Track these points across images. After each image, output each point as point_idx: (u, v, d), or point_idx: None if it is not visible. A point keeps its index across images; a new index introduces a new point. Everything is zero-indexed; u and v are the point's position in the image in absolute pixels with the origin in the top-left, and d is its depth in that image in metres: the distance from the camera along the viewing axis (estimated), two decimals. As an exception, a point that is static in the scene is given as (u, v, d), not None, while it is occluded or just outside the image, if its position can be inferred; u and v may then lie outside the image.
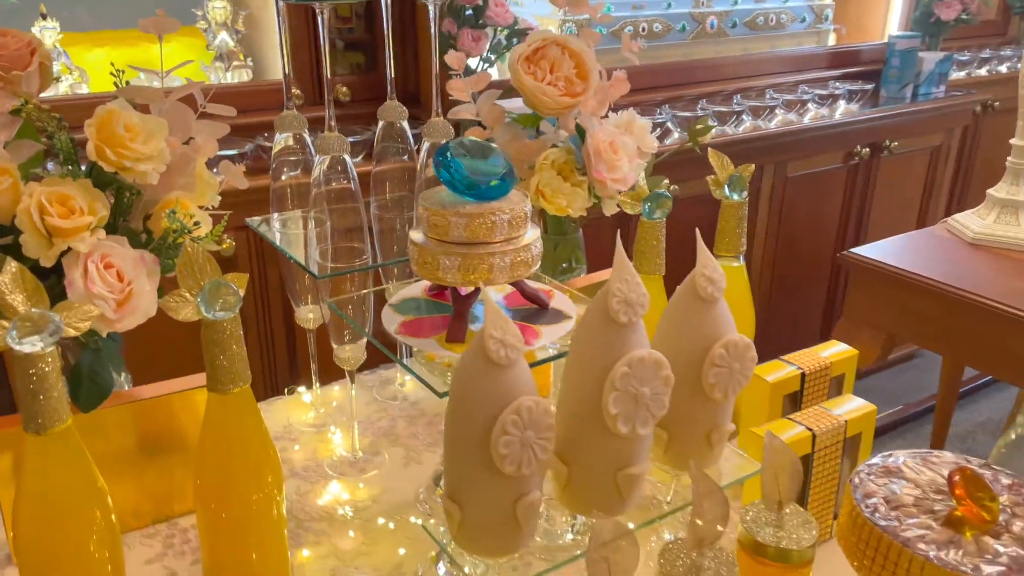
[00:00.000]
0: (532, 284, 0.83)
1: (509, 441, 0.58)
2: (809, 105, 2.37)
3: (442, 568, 0.79)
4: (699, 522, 0.60)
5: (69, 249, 0.73)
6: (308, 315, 1.02)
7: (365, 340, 0.96)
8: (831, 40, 2.66)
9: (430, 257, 0.73)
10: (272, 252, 1.62)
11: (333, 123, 0.90)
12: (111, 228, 0.77)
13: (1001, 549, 0.60)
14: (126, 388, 0.85)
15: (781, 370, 0.90)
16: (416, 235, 0.75)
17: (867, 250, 1.58)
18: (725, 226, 0.96)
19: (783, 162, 2.24)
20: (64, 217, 0.72)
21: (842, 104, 2.43)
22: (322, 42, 0.91)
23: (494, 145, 0.75)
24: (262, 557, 0.72)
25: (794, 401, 0.90)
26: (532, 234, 0.75)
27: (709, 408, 0.71)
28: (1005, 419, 2.52)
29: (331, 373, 1.08)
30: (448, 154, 0.72)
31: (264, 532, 0.71)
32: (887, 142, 2.41)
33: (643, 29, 2.22)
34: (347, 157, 0.90)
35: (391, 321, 0.78)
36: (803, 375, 0.90)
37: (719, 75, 2.32)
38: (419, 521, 0.89)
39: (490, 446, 0.58)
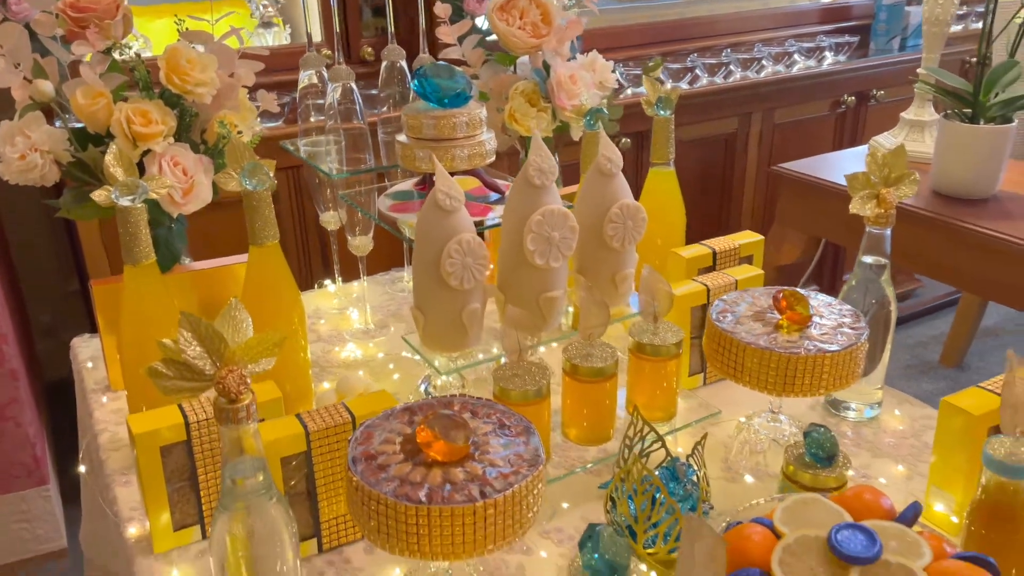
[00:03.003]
0: (495, 180, 1.09)
1: (453, 263, 0.84)
2: (796, 57, 2.55)
3: (423, 386, 1.05)
4: (586, 329, 0.85)
5: (148, 151, 1.00)
6: (330, 218, 1.29)
7: (372, 231, 1.23)
8: (824, -3, 2.83)
9: (410, 151, 0.98)
10: (306, 187, 1.90)
11: (342, 61, 1.16)
12: (177, 139, 1.04)
13: (798, 339, 0.83)
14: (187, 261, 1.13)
15: (696, 250, 1.14)
16: (401, 137, 1.00)
17: (795, 165, 1.86)
18: (657, 138, 1.18)
19: (771, 110, 2.44)
20: (144, 126, 0.99)
21: (829, 56, 2.61)
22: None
23: (457, 68, 1.00)
24: (293, 383, 0.98)
25: (707, 274, 1.14)
26: (488, 135, 1.01)
27: (612, 256, 0.95)
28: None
29: (351, 274, 1.35)
30: (423, 73, 0.98)
31: (292, 362, 0.98)
32: (874, 91, 2.58)
33: (640, -10, 2.43)
34: (354, 86, 1.16)
35: (384, 204, 1.04)
36: (714, 253, 1.14)
37: (712, 31, 2.52)
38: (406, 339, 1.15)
39: (440, 267, 0.84)
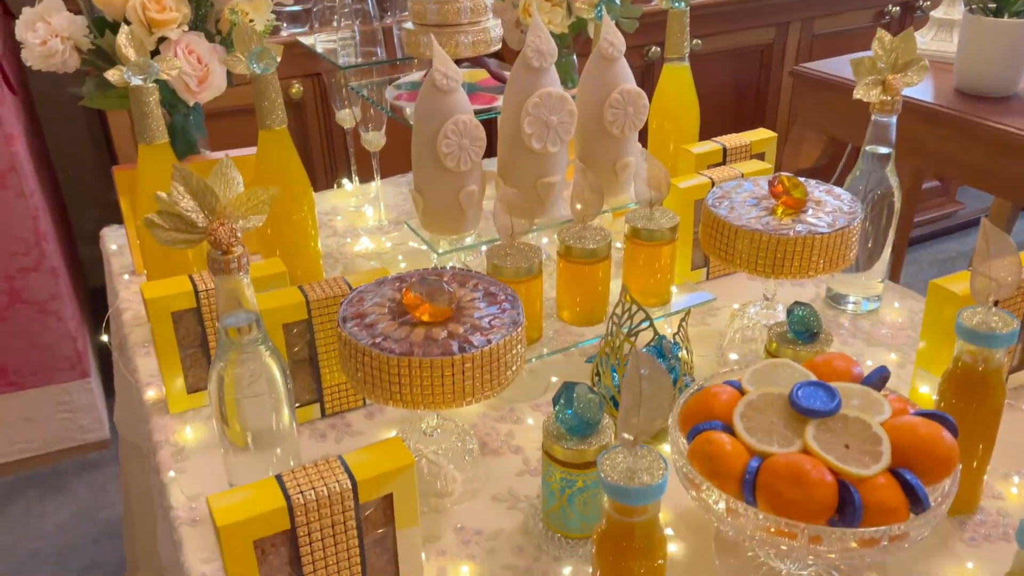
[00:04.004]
0: (502, 71, 1.09)
1: (449, 143, 0.85)
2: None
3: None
4: (578, 205, 0.86)
5: (164, 39, 1.02)
6: (345, 116, 1.31)
7: (384, 127, 1.25)
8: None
9: (415, 37, 0.99)
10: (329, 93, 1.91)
11: (354, -46, 1.16)
12: (193, 28, 1.06)
13: (791, 223, 0.84)
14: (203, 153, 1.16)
15: (708, 146, 1.14)
16: (407, 24, 1.01)
17: (816, 65, 1.83)
18: (671, 30, 1.17)
19: (810, 19, 2.36)
20: (159, 12, 1.01)
21: (876, -36, 2.50)
22: None
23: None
24: (304, 270, 1.02)
25: (715, 169, 1.13)
26: (493, 22, 1.01)
27: (612, 144, 0.96)
28: None
29: (369, 175, 1.38)
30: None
31: (304, 247, 1.01)
32: (920, 1, 2.48)
33: None
34: (365, -19, 1.16)
35: (391, 94, 1.06)
36: (724, 149, 1.13)
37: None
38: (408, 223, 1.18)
39: (437, 148, 0.86)
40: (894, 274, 2.32)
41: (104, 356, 2.14)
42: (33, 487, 1.87)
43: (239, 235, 0.62)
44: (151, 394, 0.91)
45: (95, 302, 2.30)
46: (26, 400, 1.87)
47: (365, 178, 1.42)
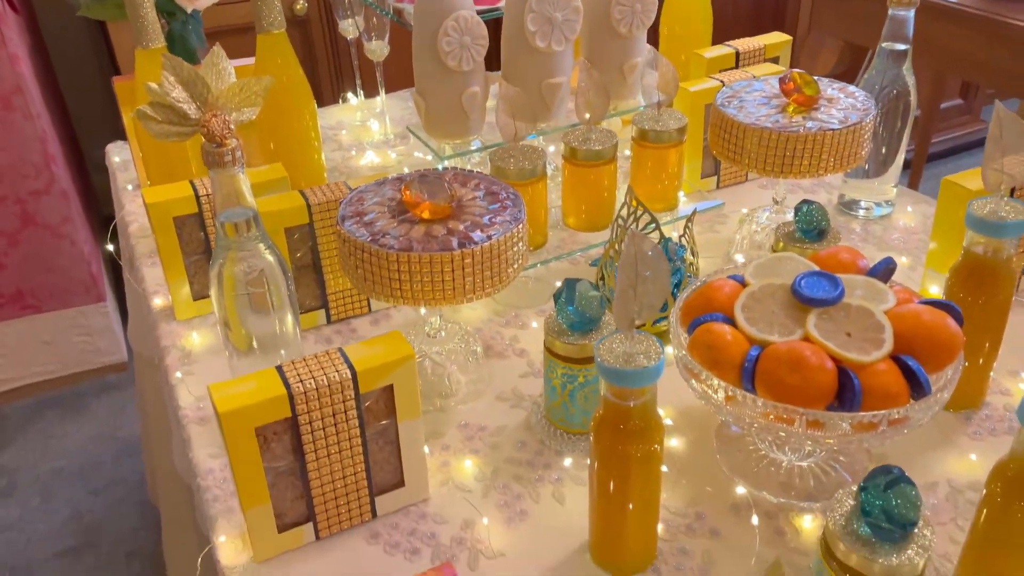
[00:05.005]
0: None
1: (450, 41, 0.83)
2: None
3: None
4: (585, 111, 0.84)
5: (158, -58, 1.00)
6: (348, 26, 1.28)
7: (387, 36, 1.22)
8: None
9: (415, -64, 0.96)
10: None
11: None
12: (187, -69, 1.04)
13: (802, 120, 0.82)
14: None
15: (720, 50, 1.10)
16: (406, -77, 0.98)
17: None
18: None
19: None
20: (151, -86, 0.98)
21: None
22: None
23: None
24: (307, 181, 1.01)
25: (726, 73, 1.10)
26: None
27: (620, 44, 0.93)
28: None
29: (375, 91, 1.35)
30: None
31: (306, 156, 1.00)
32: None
33: None
34: None
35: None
36: (737, 53, 1.10)
37: None
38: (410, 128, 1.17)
39: (437, 46, 0.83)
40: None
41: (119, 281, 2.16)
42: (53, 408, 1.91)
43: (232, 127, 0.61)
44: (158, 302, 0.91)
45: (108, 231, 2.31)
46: (44, 323, 1.90)
47: (370, 93, 1.40)
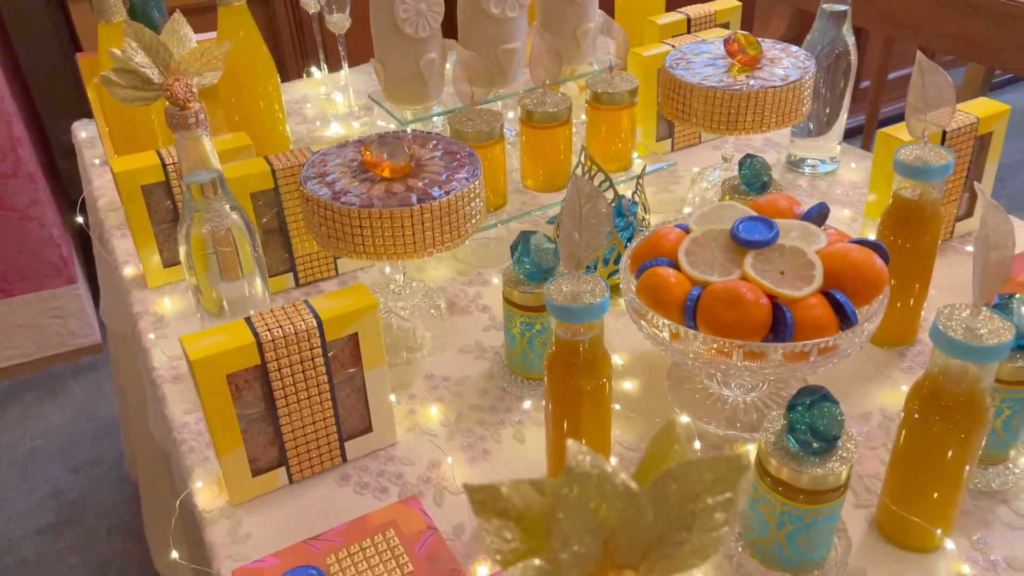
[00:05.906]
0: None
1: (407, 8, 0.86)
2: None
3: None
4: (540, 75, 0.87)
5: (116, -83, 1.01)
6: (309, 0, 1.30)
7: (348, 8, 1.24)
8: None
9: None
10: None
11: None
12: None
13: (745, 77, 0.85)
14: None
15: (672, 17, 1.14)
16: None
17: None
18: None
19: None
20: None
21: None
22: None
23: None
24: (271, 147, 1.03)
25: (677, 38, 1.14)
26: None
27: (573, 9, 0.96)
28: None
29: (336, 64, 1.37)
30: None
31: (270, 128, 1.02)
32: None
33: None
34: None
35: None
36: (689, 19, 1.13)
37: None
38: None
39: (394, 13, 0.86)
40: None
41: (91, 265, 2.17)
42: (29, 391, 1.92)
43: (195, 90, 0.64)
44: (129, 271, 0.94)
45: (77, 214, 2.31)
46: (16, 306, 1.90)
47: (334, 67, 1.42)
